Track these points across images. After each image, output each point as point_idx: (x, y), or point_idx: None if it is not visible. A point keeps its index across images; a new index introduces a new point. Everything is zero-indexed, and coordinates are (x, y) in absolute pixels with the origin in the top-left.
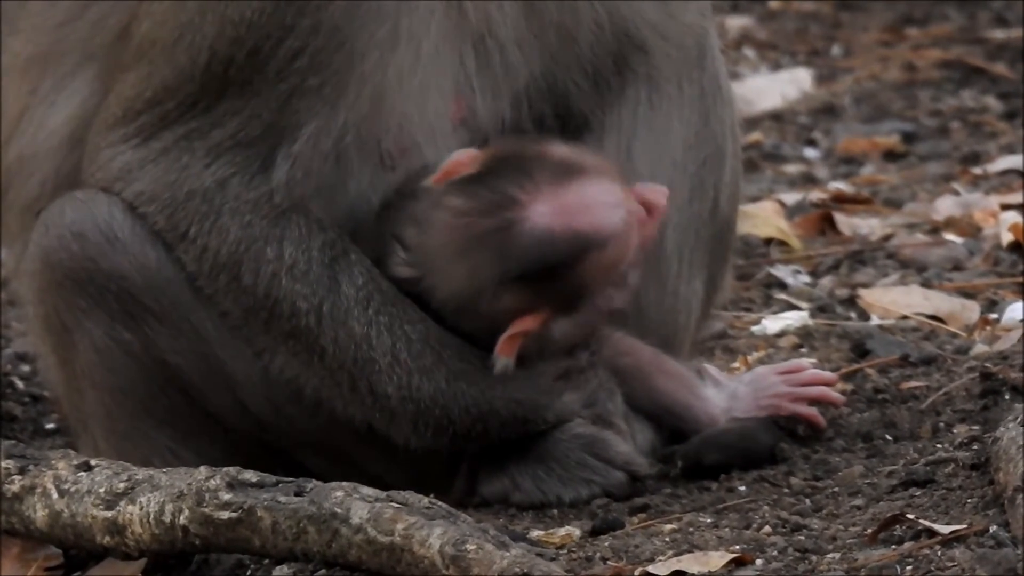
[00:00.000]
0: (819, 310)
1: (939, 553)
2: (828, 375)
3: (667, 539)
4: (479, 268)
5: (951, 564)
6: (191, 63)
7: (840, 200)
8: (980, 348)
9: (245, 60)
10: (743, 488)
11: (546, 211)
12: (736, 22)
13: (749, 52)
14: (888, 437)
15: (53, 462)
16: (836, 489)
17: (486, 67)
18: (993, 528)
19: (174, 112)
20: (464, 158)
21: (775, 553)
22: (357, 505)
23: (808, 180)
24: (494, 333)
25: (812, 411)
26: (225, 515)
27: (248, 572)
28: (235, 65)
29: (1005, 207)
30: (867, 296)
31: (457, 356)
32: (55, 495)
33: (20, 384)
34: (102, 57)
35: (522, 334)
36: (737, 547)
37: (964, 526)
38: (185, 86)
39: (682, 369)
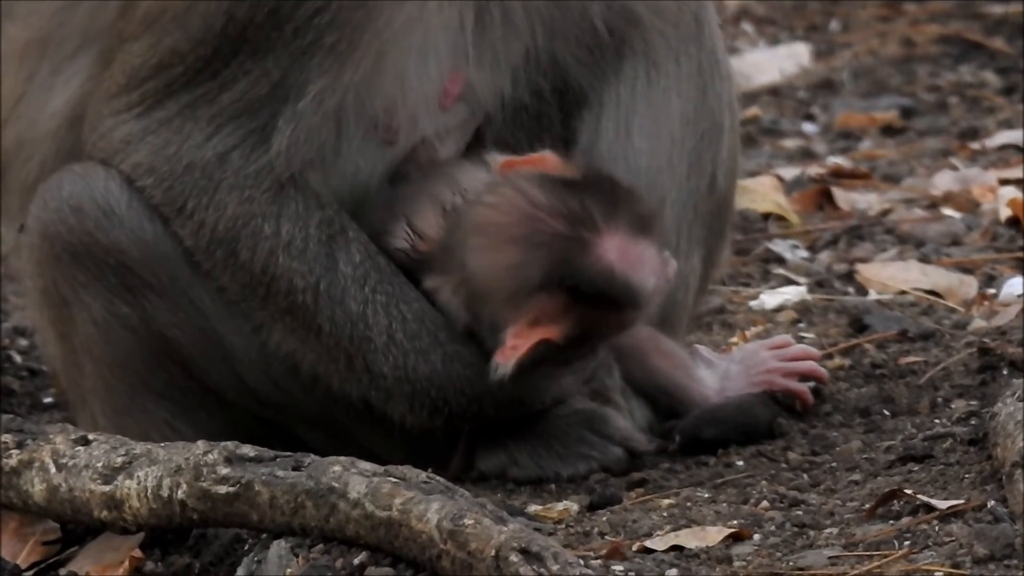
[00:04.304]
0: (817, 285)
1: (937, 528)
2: (815, 350)
3: (665, 514)
4: (530, 263)
5: (949, 539)
6: (205, 28)
7: (838, 175)
8: (978, 323)
9: (264, 20)
10: (741, 463)
11: (615, 250)
12: None
13: (747, 27)
14: (886, 412)
15: (51, 436)
16: (834, 464)
17: (486, 32)
18: (991, 503)
19: (182, 77)
20: (551, 158)
21: (773, 528)
22: (355, 480)
23: (806, 155)
24: (490, 327)
25: (803, 387)
26: (223, 490)
27: (245, 547)
28: (253, 26)
29: (1003, 182)
30: (865, 271)
31: (452, 337)
32: (53, 469)
33: (18, 358)
34: (102, 38)
35: (526, 344)
36: (735, 522)
37: (962, 501)
38: (197, 49)
39: (678, 350)
